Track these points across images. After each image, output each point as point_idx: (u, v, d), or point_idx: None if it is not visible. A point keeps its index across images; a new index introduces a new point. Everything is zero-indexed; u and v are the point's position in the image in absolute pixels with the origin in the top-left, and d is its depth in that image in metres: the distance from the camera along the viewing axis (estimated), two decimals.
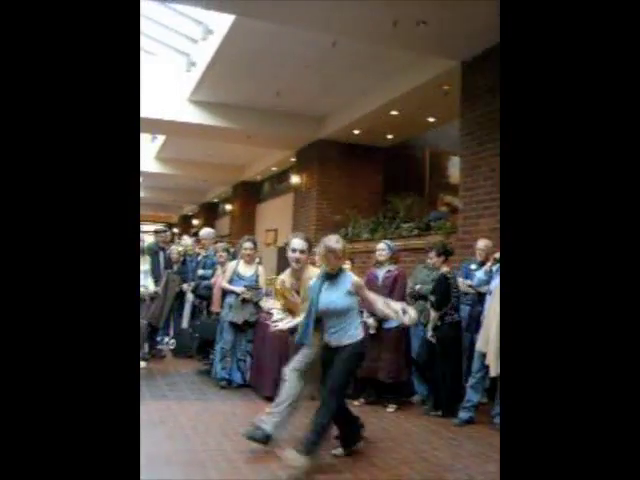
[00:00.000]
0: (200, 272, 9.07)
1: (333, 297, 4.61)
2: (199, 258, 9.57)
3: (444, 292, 6.39)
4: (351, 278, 4.72)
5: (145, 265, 8.17)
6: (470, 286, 6.85)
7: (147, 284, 8.05)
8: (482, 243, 7.13)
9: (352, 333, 4.64)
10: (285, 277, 5.27)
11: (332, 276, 4.69)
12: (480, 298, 6.62)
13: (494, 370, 5.63)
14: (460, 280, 6.97)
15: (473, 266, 7.10)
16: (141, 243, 8.21)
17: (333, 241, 4.65)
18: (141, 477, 4.17)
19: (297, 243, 5.03)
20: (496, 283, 5.99)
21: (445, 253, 6.62)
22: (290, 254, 5.06)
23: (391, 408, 6.53)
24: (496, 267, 6.29)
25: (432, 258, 6.70)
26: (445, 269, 6.50)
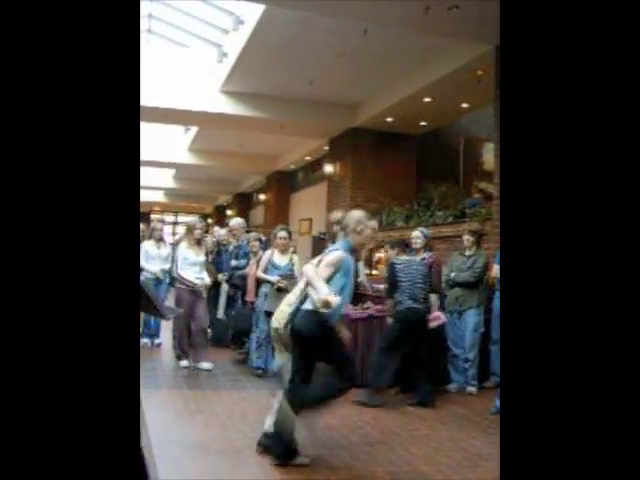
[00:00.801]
0: (233, 263, 9.09)
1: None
2: (230, 248, 9.60)
3: (390, 279, 6.52)
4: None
5: (201, 256, 8.12)
6: None
7: (203, 276, 7.99)
8: None
9: None
10: None
11: (353, 254, 4.66)
12: None
13: None
14: (495, 267, 6.93)
15: None
16: (197, 231, 8.16)
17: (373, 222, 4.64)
18: (178, 465, 4.24)
19: (339, 215, 4.96)
20: None
21: (400, 245, 6.81)
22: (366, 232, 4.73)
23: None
24: None
25: (387, 251, 6.83)
26: (404, 258, 6.60)
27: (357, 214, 4.61)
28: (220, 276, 9.43)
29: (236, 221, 10.33)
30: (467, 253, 7.14)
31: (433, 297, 6.55)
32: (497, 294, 7.03)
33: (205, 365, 7.58)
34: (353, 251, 4.60)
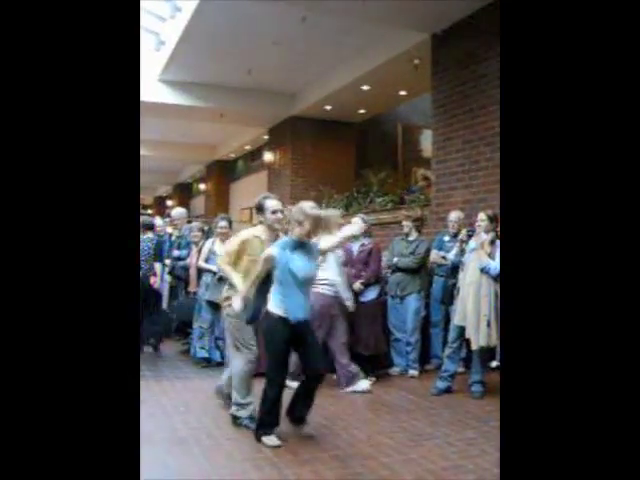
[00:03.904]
0: (175, 253, 9.00)
1: (312, 265, 4.48)
2: (172, 239, 9.50)
3: None
4: (317, 245, 4.59)
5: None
6: (443, 257, 6.94)
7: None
8: (454, 215, 7.23)
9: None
10: (262, 235, 4.86)
11: (303, 244, 4.47)
12: (454, 271, 6.67)
13: (475, 343, 5.71)
14: (434, 252, 7.07)
15: (446, 238, 7.20)
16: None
17: (309, 207, 4.46)
18: None
19: (277, 204, 4.86)
20: (469, 257, 6.05)
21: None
22: (270, 215, 4.82)
23: (369, 380, 6.59)
24: (470, 243, 6.29)
25: None
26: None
27: (300, 205, 4.54)
28: (157, 265, 9.13)
29: (177, 211, 10.24)
30: (410, 238, 7.23)
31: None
32: (436, 279, 7.18)
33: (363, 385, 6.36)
34: (298, 245, 4.46)
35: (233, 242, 4.99)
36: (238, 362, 4.83)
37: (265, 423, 4.51)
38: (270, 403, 4.48)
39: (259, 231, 4.92)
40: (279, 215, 4.84)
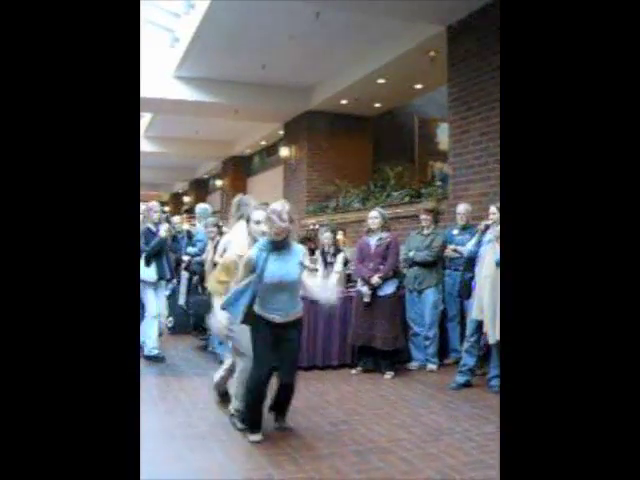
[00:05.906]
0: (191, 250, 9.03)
1: (288, 268, 4.37)
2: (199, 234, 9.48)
3: None
4: (301, 248, 4.60)
5: None
6: (454, 250, 6.94)
7: None
8: (462, 207, 7.26)
9: (300, 306, 4.55)
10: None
11: (279, 246, 4.39)
12: (469, 264, 6.61)
13: (492, 337, 5.67)
14: (450, 246, 7.06)
15: (455, 231, 7.21)
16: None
17: (278, 205, 4.35)
18: (143, 452, 4.22)
19: (261, 215, 4.66)
20: (485, 250, 5.99)
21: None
22: (253, 226, 4.75)
23: (388, 375, 6.58)
24: (487, 235, 6.21)
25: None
26: None
27: (272, 206, 4.41)
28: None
29: (200, 207, 10.25)
30: (425, 232, 7.22)
31: None
32: (449, 272, 7.17)
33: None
34: (274, 247, 4.39)
35: (230, 259, 4.77)
36: (240, 366, 4.74)
37: (247, 420, 4.56)
38: (249, 400, 4.49)
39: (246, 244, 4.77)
40: (262, 227, 4.62)
